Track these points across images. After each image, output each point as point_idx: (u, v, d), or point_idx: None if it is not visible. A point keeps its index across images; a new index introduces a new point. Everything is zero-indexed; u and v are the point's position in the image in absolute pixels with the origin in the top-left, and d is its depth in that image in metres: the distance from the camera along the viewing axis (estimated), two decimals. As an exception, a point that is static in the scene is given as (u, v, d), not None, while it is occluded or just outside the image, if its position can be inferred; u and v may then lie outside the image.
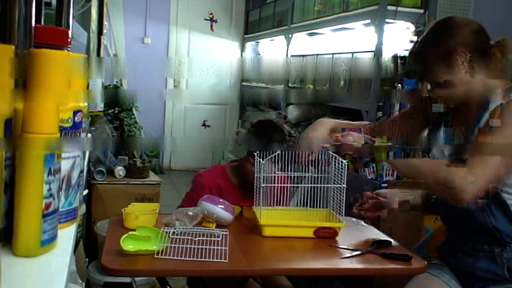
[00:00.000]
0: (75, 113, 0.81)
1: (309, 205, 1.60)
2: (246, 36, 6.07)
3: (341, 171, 1.51)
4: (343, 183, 1.51)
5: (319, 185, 1.57)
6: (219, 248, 1.32)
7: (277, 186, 1.59)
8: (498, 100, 1.45)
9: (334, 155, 1.53)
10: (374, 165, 2.73)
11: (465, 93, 1.51)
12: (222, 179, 1.83)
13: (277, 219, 1.58)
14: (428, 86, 1.54)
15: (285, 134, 1.81)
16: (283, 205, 1.67)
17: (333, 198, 1.58)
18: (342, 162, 1.51)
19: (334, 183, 1.56)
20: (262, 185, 1.53)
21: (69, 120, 0.80)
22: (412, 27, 3.01)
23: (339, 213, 1.54)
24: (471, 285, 1.54)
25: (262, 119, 1.89)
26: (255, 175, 1.56)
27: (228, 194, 1.79)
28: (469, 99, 1.53)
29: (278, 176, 1.66)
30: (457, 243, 1.59)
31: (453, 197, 1.37)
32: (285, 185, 1.65)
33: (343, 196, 1.52)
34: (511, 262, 1.47)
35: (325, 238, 1.52)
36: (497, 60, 1.50)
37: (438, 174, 1.40)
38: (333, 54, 3.66)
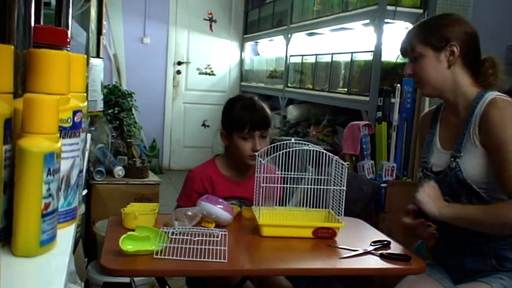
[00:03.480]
0: (74, 113, 0.81)
1: (309, 206, 1.60)
2: (245, 36, 6.07)
3: (341, 173, 1.52)
4: (343, 186, 1.51)
5: (319, 187, 1.57)
6: (219, 248, 1.32)
7: (275, 186, 1.60)
8: (480, 105, 1.51)
9: (335, 157, 1.53)
10: (373, 163, 2.74)
11: (437, 83, 1.57)
12: (212, 171, 1.86)
13: (276, 220, 1.58)
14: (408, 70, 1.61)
15: (247, 99, 1.87)
16: (280, 205, 1.68)
17: (333, 199, 1.58)
18: (342, 164, 1.52)
19: (334, 185, 1.56)
20: (262, 185, 1.53)
21: (69, 120, 0.80)
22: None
23: (339, 214, 1.54)
24: (461, 280, 1.58)
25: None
26: (255, 175, 1.56)
27: (218, 184, 1.83)
28: (440, 93, 1.60)
29: (275, 177, 1.67)
30: (447, 240, 1.62)
31: None
32: (286, 185, 1.65)
33: (342, 197, 1.52)
34: (498, 251, 1.51)
35: (324, 238, 1.52)
36: (483, 73, 1.58)
37: (494, 218, 1.45)
38: (332, 54, 3.67)
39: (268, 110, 1.85)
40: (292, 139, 1.64)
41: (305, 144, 1.57)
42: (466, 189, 1.51)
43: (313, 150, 1.53)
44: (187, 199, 1.81)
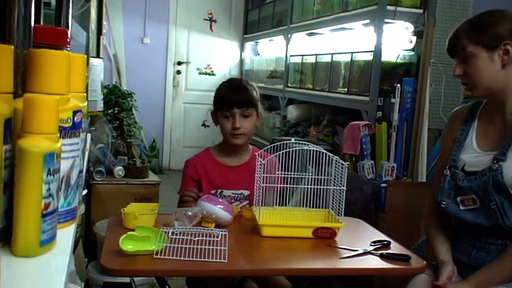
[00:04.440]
0: (74, 113, 0.81)
1: (309, 206, 1.60)
2: (245, 36, 6.07)
3: (341, 173, 1.52)
4: (343, 186, 1.51)
5: (319, 187, 1.57)
6: (219, 248, 1.32)
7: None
8: None
9: (335, 157, 1.53)
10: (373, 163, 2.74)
11: (489, 84, 1.51)
12: (206, 158, 1.91)
13: (276, 220, 1.58)
14: (458, 70, 1.54)
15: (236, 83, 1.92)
16: (280, 205, 1.68)
17: (333, 199, 1.58)
18: (342, 164, 1.52)
19: (334, 185, 1.56)
20: (262, 185, 1.53)
21: (69, 120, 0.80)
22: (411, 27, 3.01)
23: (339, 214, 1.54)
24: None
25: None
26: (256, 175, 1.56)
27: (213, 170, 1.88)
28: (491, 94, 1.53)
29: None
30: (468, 239, 1.59)
31: None
32: (286, 185, 1.65)
33: (342, 197, 1.52)
34: None
35: (324, 238, 1.52)
36: None
37: None
38: (332, 54, 3.66)
39: (254, 92, 1.88)
40: (292, 139, 1.64)
41: (305, 144, 1.57)
42: (501, 194, 1.46)
43: (313, 150, 1.53)
44: (184, 188, 1.87)
